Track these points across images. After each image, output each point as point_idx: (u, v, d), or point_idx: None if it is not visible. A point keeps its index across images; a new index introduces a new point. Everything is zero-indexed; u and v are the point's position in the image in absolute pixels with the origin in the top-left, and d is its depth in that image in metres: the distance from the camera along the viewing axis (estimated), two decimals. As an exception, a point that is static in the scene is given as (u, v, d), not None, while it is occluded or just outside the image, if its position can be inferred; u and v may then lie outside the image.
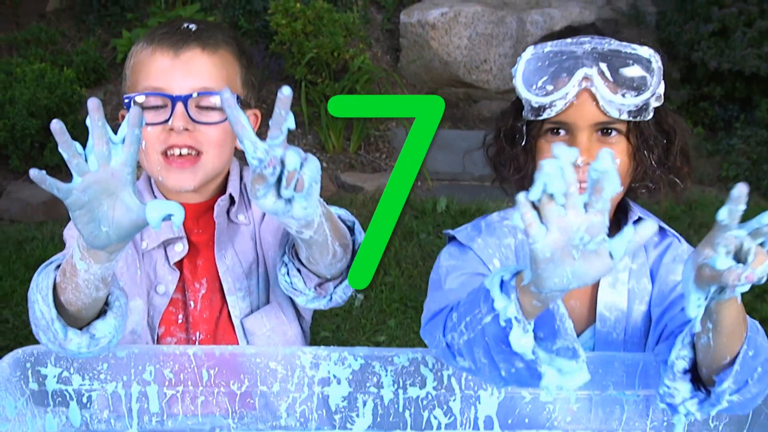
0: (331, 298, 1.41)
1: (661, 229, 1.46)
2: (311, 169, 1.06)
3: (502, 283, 1.07)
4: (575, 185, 0.95)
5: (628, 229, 0.96)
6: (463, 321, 1.13)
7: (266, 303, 1.57)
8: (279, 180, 1.05)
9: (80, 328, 1.26)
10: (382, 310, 3.88)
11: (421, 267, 4.19)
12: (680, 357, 1.17)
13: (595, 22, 1.43)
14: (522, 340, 1.05)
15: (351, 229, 1.41)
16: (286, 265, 1.39)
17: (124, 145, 1.10)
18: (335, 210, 1.40)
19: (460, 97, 6.24)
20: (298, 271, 1.38)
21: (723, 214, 1.01)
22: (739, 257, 1.03)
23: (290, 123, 1.04)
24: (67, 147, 1.08)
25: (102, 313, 1.28)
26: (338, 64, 5.68)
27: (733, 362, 1.13)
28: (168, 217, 1.08)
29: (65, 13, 6.53)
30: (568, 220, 0.95)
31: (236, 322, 1.54)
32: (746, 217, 1.05)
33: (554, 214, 0.96)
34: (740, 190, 1.00)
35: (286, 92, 1.02)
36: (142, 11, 6.32)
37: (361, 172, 5.46)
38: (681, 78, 5.71)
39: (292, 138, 5.76)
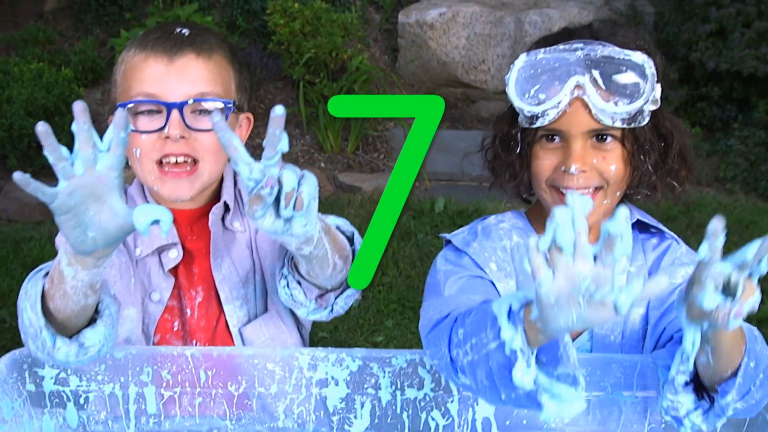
0: (332, 309, 1.40)
1: (659, 230, 1.46)
2: (309, 186, 1.05)
3: (510, 311, 1.08)
4: (585, 235, 0.96)
5: (637, 283, 0.96)
6: (468, 342, 1.13)
7: (264, 311, 1.55)
8: (277, 199, 1.04)
9: (70, 337, 1.25)
10: (379, 311, 3.87)
11: (418, 267, 4.19)
12: (680, 372, 1.17)
13: (592, 23, 1.42)
14: (524, 377, 1.06)
15: (350, 240, 1.40)
16: (286, 277, 1.38)
17: (111, 148, 1.09)
18: (334, 220, 1.40)
19: (458, 97, 6.24)
20: (298, 283, 1.37)
21: (704, 251, 1.02)
22: (728, 290, 1.03)
23: (284, 145, 1.03)
24: (52, 150, 1.06)
25: (92, 321, 1.27)
26: (336, 64, 5.67)
27: (735, 374, 1.14)
28: (156, 222, 1.07)
29: (63, 13, 6.53)
30: (576, 270, 0.96)
31: (234, 331, 1.52)
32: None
33: (562, 261, 0.97)
34: (716, 226, 1.00)
35: (279, 111, 1.01)
36: (140, 11, 6.31)
37: (359, 173, 5.46)
38: (679, 78, 5.70)
39: (291, 137, 5.75)
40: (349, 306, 1.41)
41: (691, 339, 1.11)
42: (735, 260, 1.03)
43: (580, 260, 0.96)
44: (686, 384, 1.18)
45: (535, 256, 0.98)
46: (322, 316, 1.41)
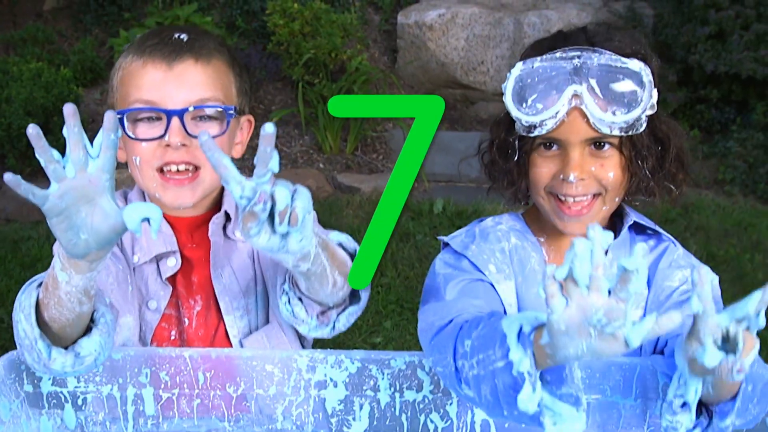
0: (334, 326, 1.37)
1: (656, 232, 1.46)
2: (303, 201, 1.04)
3: (520, 332, 1.08)
4: (602, 268, 0.96)
5: (650, 319, 0.97)
6: (475, 356, 1.13)
7: (265, 321, 1.54)
8: (271, 216, 1.03)
9: (65, 348, 1.24)
10: (378, 312, 3.87)
11: (417, 269, 4.19)
12: (677, 396, 1.18)
13: (587, 25, 1.41)
14: (529, 402, 1.07)
15: (353, 256, 1.38)
16: (287, 293, 1.36)
17: (101, 150, 1.09)
18: (336, 236, 1.38)
19: (457, 98, 6.24)
20: (299, 299, 1.35)
21: (696, 304, 1.02)
22: (728, 343, 1.04)
23: (274, 164, 1.02)
24: (43, 152, 1.06)
25: (88, 330, 1.26)
26: (336, 64, 5.67)
27: (734, 398, 1.15)
28: (146, 220, 1.07)
29: (62, 12, 6.52)
30: (589, 301, 0.97)
31: (234, 341, 1.50)
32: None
33: (576, 292, 0.97)
34: (700, 275, 1.02)
35: (269, 129, 1.00)
36: (140, 11, 6.31)
37: (358, 173, 5.46)
38: (678, 81, 5.70)
39: (290, 138, 5.77)
40: (351, 323, 1.39)
41: (694, 389, 1.13)
42: (734, 314, 1.03)
43: (594, 293, 0.97)
44: (683, 405, 1.19)
45: (550, 283, 0.98)
46: (324, 333, 1.39)
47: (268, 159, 1.02)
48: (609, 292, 0.97)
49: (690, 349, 1.06)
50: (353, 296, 1.37)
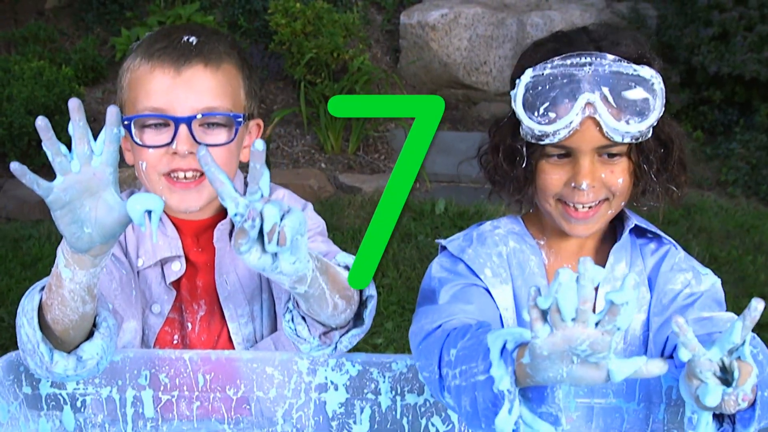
0: (336, 347, 1.35)
1: (656, 236, 1.45)
2: (292, 221, 1.02)
3: (504, 348, 1.07)
4: (590, 303, 0.95)
5: (640, 359, 0.97)
6: (459, 366, 1.13)
7: (271, 329, 1.53)
8: (262, 234, 1.02)
9: (68, 352, 1.24)
10: (379, 312, 3.85)
11: (418, 269, 4.17)
12: (695, 411, 1.17)
13: (588, 27, 1.39)
14: (505, 424, 1.07)
15: None
16: (291, 311, 1.34)
17: (105, 144, 1.09)
18: (344, 258, 1.36)
19: (460, 98, 6.23)
20: (303, 318, 1.33)
21: (684, 354, 1.03)
22: (726, 372, 1.04)
23: (264, 184, 1.01)
24: (51, 144, 1.07)
25: (90, 335, 1.26)
26: (338, 64, 5.67)
27: (752, 405, 1.14)
28: (149, 211, 1.08)
29: (64, 11, 6.52)
30: (574, 332, 0.96)
31: (238, 348, 1.49)
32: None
33: (561, 322, 0.96)
34: (678, 323, 1.02)
35: (259, 147, 1.00)
36: (141, 9, 6.30)
37: (360, 173, 5.45)
38: (681, 82, 5.69)
39: (291, 137, 5.76)
40: (354, 345, 1.37)
41: (705, 420, 1.13)
42: (723, 347, 1.04)
43: (580, 325, 0.96)
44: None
45: (533, 307, 0.98)
46: (325, 353, 1.37)
47: (259, 176, 1.01)
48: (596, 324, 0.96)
49: (692, 387, 1.06)
50: (357, 318, 1.36)
